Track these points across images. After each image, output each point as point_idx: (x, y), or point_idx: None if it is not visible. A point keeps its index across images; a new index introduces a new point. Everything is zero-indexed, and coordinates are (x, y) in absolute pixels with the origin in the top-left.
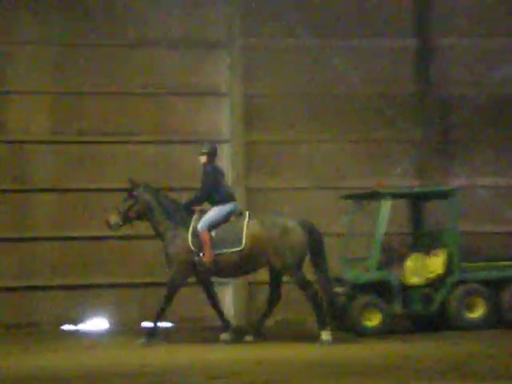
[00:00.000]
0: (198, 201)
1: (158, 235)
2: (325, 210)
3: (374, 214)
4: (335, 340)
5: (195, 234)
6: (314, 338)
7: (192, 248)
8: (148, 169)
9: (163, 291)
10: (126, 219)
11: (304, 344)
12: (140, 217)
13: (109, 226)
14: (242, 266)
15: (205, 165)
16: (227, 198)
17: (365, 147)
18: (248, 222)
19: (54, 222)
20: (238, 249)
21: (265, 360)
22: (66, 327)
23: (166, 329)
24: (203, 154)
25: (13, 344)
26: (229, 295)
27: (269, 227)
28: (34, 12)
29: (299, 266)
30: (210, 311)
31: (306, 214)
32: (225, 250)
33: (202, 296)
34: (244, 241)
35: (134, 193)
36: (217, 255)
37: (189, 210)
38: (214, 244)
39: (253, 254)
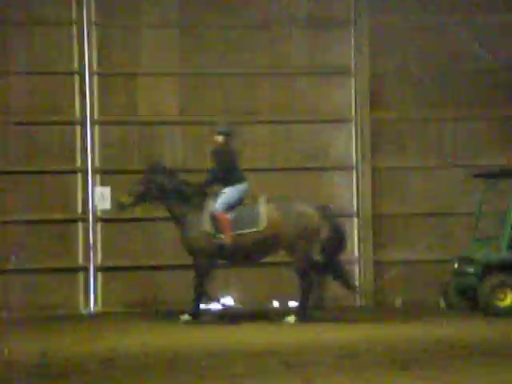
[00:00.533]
0: (213, 182)
1: (174, 219)
2: (454, 189)
3: (505, 192)
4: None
5: (212, 217)
6: (436, 319)
7: (210, 231)
8: (273, 149)
9: (289, 270)
10: (138, 201)
11: (431, 324)
12: (154, 199)
13: (119, 205)
14: (261, 247)
15: (221, 145)
16: (241, 178)
17: (496, 124)
18: (265, 204)
19: None
20: (257, 229)
21: (385, 339)
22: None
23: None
24: (220, 134)
25: (139, 322)
26: (355, 274)
27: (285, 211)
28: None
29: (309, 252)
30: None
31: (434, 193)
32: (244, 231)
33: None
34: (261, 222)
35: (150, 175)
36: (236, 236)
37: (203, 193)
38: (233, 225)
39: (269, 237)
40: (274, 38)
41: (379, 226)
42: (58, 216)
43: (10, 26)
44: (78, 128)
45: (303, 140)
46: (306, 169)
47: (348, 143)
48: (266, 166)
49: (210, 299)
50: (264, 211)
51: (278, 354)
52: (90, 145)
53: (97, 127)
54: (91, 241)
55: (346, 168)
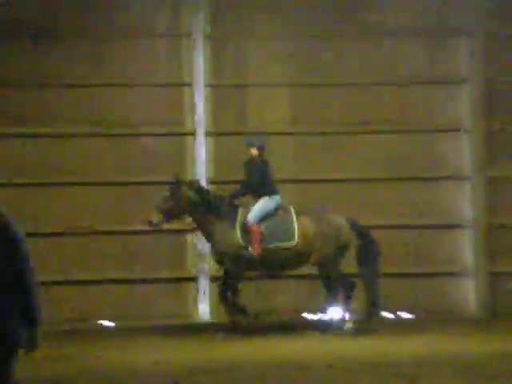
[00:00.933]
0: (246, 193)
1: (203, 232)
2: None
3: None
4: None
5: (243, 228)
6: None
7: (241, 242)
8: (387, 159)
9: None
10: (168, 217)
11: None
12: (183, 213)
13: (150, 224)
14: (290, 261)
15: (255, 158)
16: (273, 190)
17: None
18: (298, 217)
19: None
20: (290, 244)
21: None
22: (306, 315)
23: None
24: (254, 146)
25: (256, 330)
26: (470, 286)
27: (321, 224)
28: (271, 9)
29: (339, 265)
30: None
31: None
32: (275, 245)
33: None
34: (296, 236)
35: (177, 189)
36: (267, 249)
37: (233, 204)
38: (264, 238)
39: (302, 250)
40: (388, 47)
41: (494, 237)
42: (171, 226)
43: (123, 39)
44: (190, 139)
45: (417, 150)
46: (421, 179)
47: (462, 153)
48: (382, 176)
49: (241, 310)
50: (297, 225)
51: (395, 366)
52: (202, 156)
53: (208, 139)
54: (202, 250)
55: (460, 178)
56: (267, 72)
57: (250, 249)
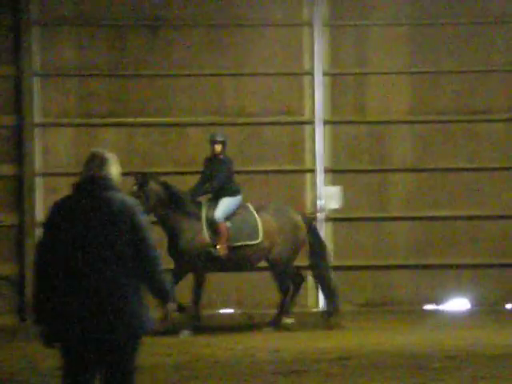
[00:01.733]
0: (211, 191)
1: (167, 229)
2: None
3: None
4: None
5: (210, 226)
6: None
7: (209, 240)
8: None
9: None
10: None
11: None
12: (150, 210)
13: None
14: (253, 258)
15: (219, 154)
16: (238, 188)
17: None
18: (258, 213)
19: (410, 201)
20: (255, 241)
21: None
22: (427, 306)
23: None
24: (219, 143)
25: (368, 321)
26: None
27: (281, 220)
28: None
29: (294, 259)
30: None
31: None
32: (242, 243)
33: None
34: (261, 233)
35: (144, 186)
36: (233, 247)
37: (196, 201)
38: (230, 236)
39: (265, 247)
40: (507, 33)
41: None
42: None
43: (241, 28)
44: (308, 128)
45: None
46: None
47: None
48: (499, 165)
49: (181, 308)
50: (260, 222)
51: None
52: (320, 145)
53: (327, 127)
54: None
55: None
56: (387, 59)
57: (217, 247)
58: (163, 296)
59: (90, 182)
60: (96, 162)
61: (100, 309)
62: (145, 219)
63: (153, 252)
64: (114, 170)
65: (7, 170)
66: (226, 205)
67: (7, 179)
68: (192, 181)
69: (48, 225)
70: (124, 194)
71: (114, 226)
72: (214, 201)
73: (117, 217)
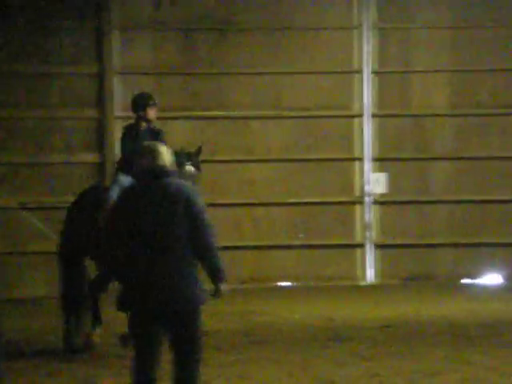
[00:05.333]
0: None
1: None
2: None
3: None
4: None
5: None
6: None
7: None
8: None
9: None
10: None
11: None
12: None
13: None
14: None
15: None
16: None
17: None
18: None
19: (449, 186)
20: None
21: None
22: (464, 281)
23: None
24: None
25: (411, 294)
26: None
27: None
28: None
29: None
30: None
31: None
32: None
33: None
34: None
35: (182, 165)
36: None
37: None
38: None
39: None
40: None
41: None
42: (339, 199)
43: (297, 31)
44: (357, 121)
45: None
46: None
47: None
48: None
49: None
50: None
51: None
52: (368, 136)
53: (374, 120)
54: (368, 220)
55: None
56: (428, 59)
57: None
58: (217, 275)
59: (151, 172)
60: (152, 154)
61: (163, 285)
62: (200, 201)
63: (208, 231)
64: (168, 159)
65: (89, 158)
66: None
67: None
68: (253, 168)
69: (118, 208)
70: (180, 180)
71: (173, 209)
72: None
73: (175, 200)
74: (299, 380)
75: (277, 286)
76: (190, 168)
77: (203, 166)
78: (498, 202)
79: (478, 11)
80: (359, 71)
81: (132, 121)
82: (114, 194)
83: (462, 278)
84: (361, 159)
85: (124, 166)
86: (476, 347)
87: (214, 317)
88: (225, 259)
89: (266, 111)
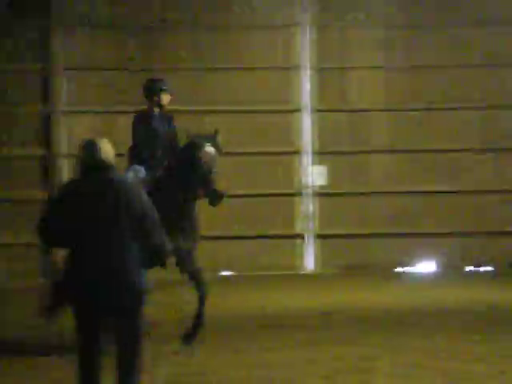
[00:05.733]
0: None
1: None
2: None
3: None
4: None
5: None
6: None
7: None
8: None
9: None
10: None
11: None
12: None
13: None
14: None
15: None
16: None
17: None
18: None
19: (386, 178)
20: None
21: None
22: (401, 269)
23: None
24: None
25: (348, 282)
26: None
27: None
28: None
29: None
30: None
31: None
32: None
33: None
34: None
35: None
36: None
37: None
38: None
39: None
40: (490, 35)
41: None
42: (280, 191)
43: (241, 29)
44: (298, 116)
45: (504, 124)
46: (507, 149)
47: None
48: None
49: None
50: None
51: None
52: (308, 130)
53: (314, 115)
54: (308, 211)
55: None
56: (365, 56)
57: None
58: (161, 256)
59: (92, 165)
60: (93, 147)
61: (107, 278)
62: (142, 192)
63: (152, 219)
64: (110, 153)
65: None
66: None
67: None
68: None
69: (57, 200)
70: (121, 173)
71: (115, 202)
72: None
73: (117, 193)
74: (234, 365)
75: (219, 275)
76: (210, 149)
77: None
78: (432, 193)
79: (413, 11)
80: (299, 67)
81: (144, 107)
82: None
83: (399, 266)
84: (301, 153)
85: (137, 153)
86: (412, 333)
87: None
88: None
89: (205, 106)
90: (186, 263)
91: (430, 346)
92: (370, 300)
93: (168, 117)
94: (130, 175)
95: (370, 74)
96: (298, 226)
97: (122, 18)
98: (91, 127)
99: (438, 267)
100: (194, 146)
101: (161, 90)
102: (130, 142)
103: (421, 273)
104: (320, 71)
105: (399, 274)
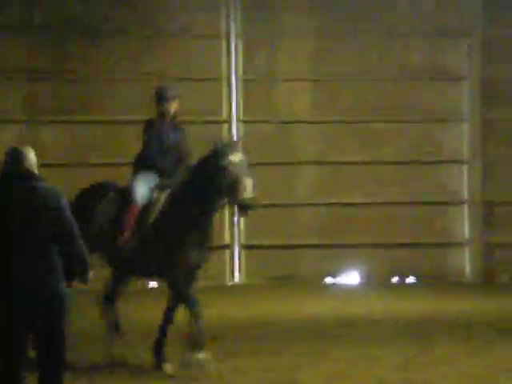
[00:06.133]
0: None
1: None
2: None
3: None
4: None
5: None
6: None
7: None
8: (384, 143)
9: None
10: None
11: None
12: None
13: None
14: None
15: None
16: None
17: None
18: None
19: (313, 189)
20: None
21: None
22: (327, 280)
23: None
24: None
25: (276, 293)
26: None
27: None
28: (298, 8)
29: None
30: None
31: None
32: None
33: None
34: None
35: None
36: None
37: None
38: None
39: None
40: (396, 46)
41: (488, 212)
42: None
43: (166, 38)
44: (225, 126)
45: (419, 137)
46: (424, 162)
47: (462, 139)
48: (390, 159)
49: None
50: None
51: (399, 321)
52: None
53: (241, 126)
54: (235, 223)
55: (461, 162)
56: (293, 67)
57: None
58: (84, 266)
59: (16, 174)
60: (18, 156)
61: (25, 285)
62: (64, 201)
63: (71, 228)
64: (33, 162)
65: None
66: None
67: None
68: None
69: None
70: (45, 182)
71: (37, 211)
72: None
73: (40, 202)
74: (155, 375)
75: (148, 287)
76: (239, 155)
77: (74, 172)
78: (357, 204)
79: (339, 22)
80: (225, 78)
81: (154, 116)
82: (139, 195)
83: (325, 277)
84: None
85: (145, 163)
86: (335, 343)
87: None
88: None
89: (137, 116)
90: (180, 285)
91: (352, 356)
92: (295, 311)
93: (177, 126)
94: (139, 184)
95: (297, 84)
96: (227, 237)
97: (35, 23)
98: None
99: (363, 278)
100: (217, 155)
101: (169, 97)
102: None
103: (347, 284)
104: (246, 82)
105: (326, 284)
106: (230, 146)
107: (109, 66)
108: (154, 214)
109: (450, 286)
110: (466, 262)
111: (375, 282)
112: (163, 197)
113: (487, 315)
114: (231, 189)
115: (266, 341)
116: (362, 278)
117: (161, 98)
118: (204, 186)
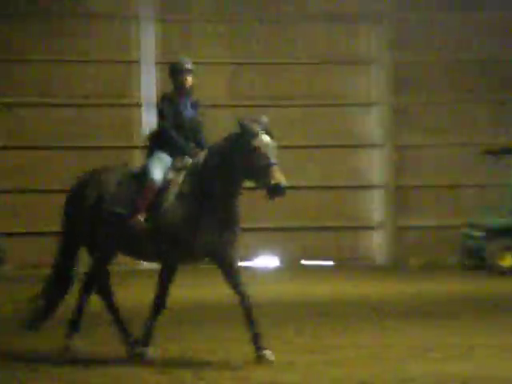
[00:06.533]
0: None
1: None
2: (463, 164)
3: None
4: None
5: None
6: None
7: None
8: (298, 128)
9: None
10: None
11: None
12: None
13: None
14: None
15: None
16: None
17: (491, 107)
18: None
19: None
20: None
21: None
22: (243, 263)
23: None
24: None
25: (188, 277)
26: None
27: None
28: None
29: None
30: None
31: (444, 169)
32: None
33: None
34: None
35: None
36: None
37: None
38: None
39: None
40: (307, 32)
41: (401, 197)
42: None
43: (80, 19)
44: (137, 110)
45: (335, 122)
46: (339, 146)
47: (374, 124)
48: (303, 143)
49: None
50: None
51: (313, 305)
52: (147, 125)
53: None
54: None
55: (372, 146)
56: (209, 51)
57: None
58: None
59: None
60: None
61: None
62: None
63: None
64: None
65: None
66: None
67: None
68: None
69: None
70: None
71: None
72: None
73: None
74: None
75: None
76: (266, 138)
77: None
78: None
79: (251, 8)
80: (140, 61)
81: (170, 90)
82: (157, 175)
83: (241, 260)
84: (140, 147)
85: (161, 141)
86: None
87: None
88: None
89: (36, 98)
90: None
91: (270, 341)
92: (207, 295)
93: (194, 102)
94: (156, 166)
95: (213, 68)
96: None
97: None
98: None
99: (279, 262)
100: (247, 134)
101: (185, 69)
102: None
103: (262, 267)
104: (162, 65)
105: (242, 268)
106: (260, 125)
107: (14, 48)
108: (171, 195)
109: (362, 269)
110: (377, 246)
111: (290, 265)
112: (180, 178)
113: (396, 297)
114: (262, 172)
115: (175, 325)
116: (277, 261)
117: (176, 70)
118: (231, 168)
